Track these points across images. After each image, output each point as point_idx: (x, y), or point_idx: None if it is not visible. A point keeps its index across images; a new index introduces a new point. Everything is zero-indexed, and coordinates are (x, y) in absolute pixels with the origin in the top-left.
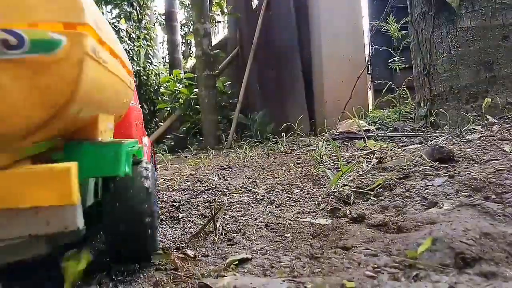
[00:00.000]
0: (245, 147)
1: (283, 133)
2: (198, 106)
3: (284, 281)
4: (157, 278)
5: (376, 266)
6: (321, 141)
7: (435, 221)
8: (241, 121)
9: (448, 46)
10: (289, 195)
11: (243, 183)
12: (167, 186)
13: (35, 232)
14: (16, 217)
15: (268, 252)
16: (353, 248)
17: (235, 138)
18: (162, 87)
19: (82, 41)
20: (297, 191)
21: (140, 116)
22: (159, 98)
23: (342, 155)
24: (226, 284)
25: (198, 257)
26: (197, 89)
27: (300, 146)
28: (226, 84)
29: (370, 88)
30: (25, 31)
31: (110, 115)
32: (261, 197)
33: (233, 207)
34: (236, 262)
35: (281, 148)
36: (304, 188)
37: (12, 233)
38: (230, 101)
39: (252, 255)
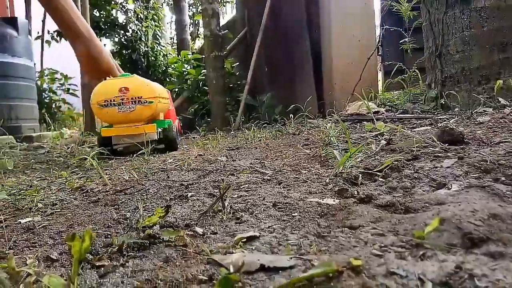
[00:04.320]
0: (253, 129)
1: (291, 115)
2: (206, 88)
3: (291, 258)
4: (167, 254)
5: (383, 245)
6: (329, 122)
7: (443, 202)
8: (249, 102)
9: (461, 27)
10: (296, 176)
11: (251, 163)
12: (176, 166)
13: (146, 139)
14: (141, 135)
15: (276, 230)
16: (360, 227)
17: (243, 119)
18: (170, 68)
19: (156, 100)
20: (304, 172)
21: (173, 111)
22: (167, 79)
23: (351, 137)
24: (234, 261)
25: (207, 234)
26: (205, 70)
27: (308, 127)
28: (234, 65)
29: (380, 70)
30: (147, 98)
31: (162, 112)
32: (269, 178)
33: (241, 187)
34: (244, 240)
35: (289, 129)
36: (312, 169)
37: (140, 139)
38: (238, 82)
39: (260, 233)
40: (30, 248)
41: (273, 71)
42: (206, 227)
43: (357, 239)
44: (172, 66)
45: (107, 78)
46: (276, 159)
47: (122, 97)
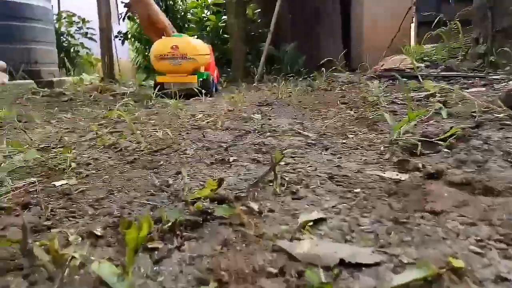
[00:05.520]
0: (281, 82)
1: (323, 69)
2: (226, 35)
3: (373, 252)
4: (225, 236)
5: (478, 238)
6: (364, 77)
7: None
8: (271, 52)
9: None
10: (344, 141)
11: (289, 124)
12: (207, 123)
13: (191, 86)
14: (188, 84)
15: (342, 211)
16: (444, 213)
17: (264, 71)
18: (189, 13)
19: (198, 57)
20: (352, 136)
21: (213, 63)
22: (186, 25)
23: (394, 96)
24: (307, 251)
25: (264, 212)
26: (225, 17)
27: (340, 83)
28: (256, 11)
29: (412, 21)
30: (191, 56)
31: (202, 66)
32: (313, 142)
33: (285, 151)
34: (311, 223)
35: (320, 84)
36: (359, 133)
37: (187, 86)
38: (260, 31)
39: (325, 214)
40: (70, 218)
41: (297, 19)
42: (261, 202)
43: (444, 229)
44: (191, 11)
45: (163, 37)
46: (316, 120)
47: (173, 53)
